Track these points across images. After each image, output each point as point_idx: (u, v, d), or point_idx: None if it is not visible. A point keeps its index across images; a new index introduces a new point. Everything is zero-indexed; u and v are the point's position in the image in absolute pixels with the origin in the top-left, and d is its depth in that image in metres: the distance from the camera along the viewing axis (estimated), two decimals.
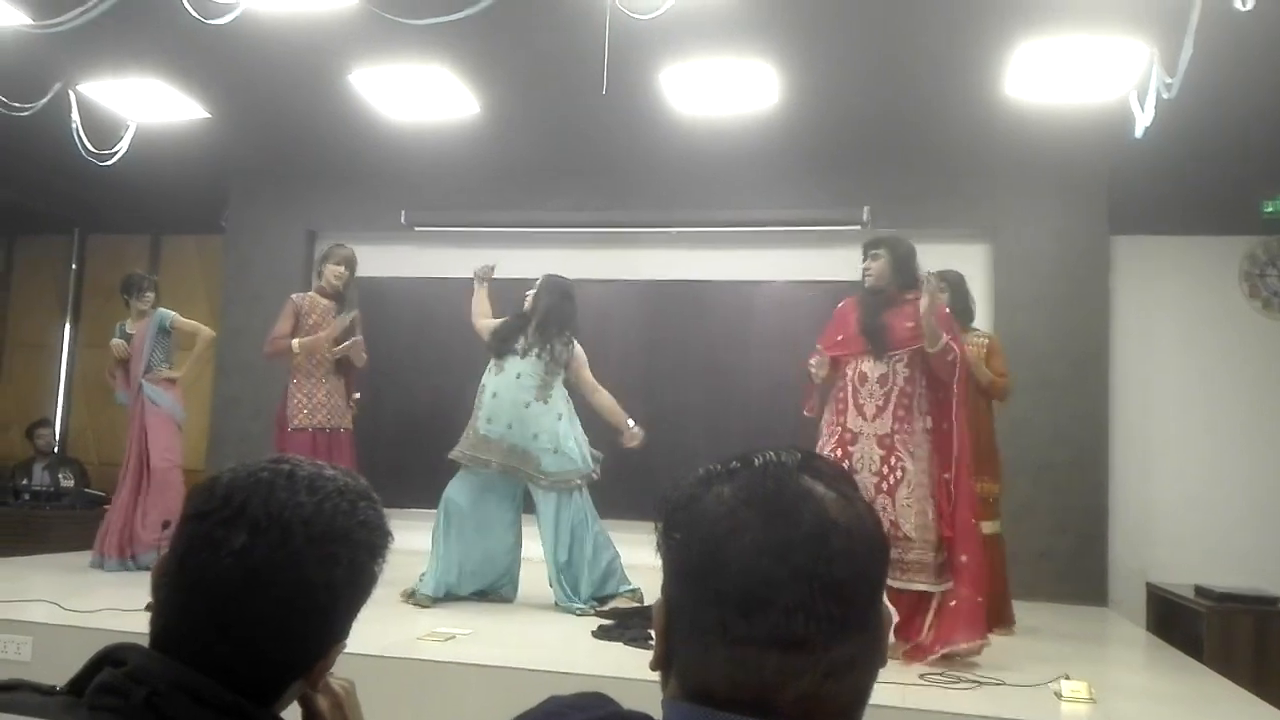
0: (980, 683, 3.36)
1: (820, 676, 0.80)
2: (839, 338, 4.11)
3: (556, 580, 4.66)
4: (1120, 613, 5.75)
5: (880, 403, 3.91)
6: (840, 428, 3.95)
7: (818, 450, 3.72)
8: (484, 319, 5.01)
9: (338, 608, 1.03)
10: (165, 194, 7.41)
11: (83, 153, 5.71)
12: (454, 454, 4.76)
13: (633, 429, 4.83)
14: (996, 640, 4.36)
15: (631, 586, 4.70)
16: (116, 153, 5.88)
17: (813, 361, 4.10)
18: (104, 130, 5.83)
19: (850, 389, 3.99)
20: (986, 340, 4.86)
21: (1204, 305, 6.24)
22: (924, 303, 3.82)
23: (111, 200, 7.54)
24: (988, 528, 4.68)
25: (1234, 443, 6.08)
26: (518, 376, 4.70)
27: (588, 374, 4.87)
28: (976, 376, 4.63)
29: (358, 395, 5.46)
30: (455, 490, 4.73)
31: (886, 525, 3.42)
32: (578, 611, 4.53)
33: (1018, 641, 4.43)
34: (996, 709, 3.03)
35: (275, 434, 5.23)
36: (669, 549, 0.87)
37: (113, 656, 0.99)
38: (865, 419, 3.92)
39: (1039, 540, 5.55)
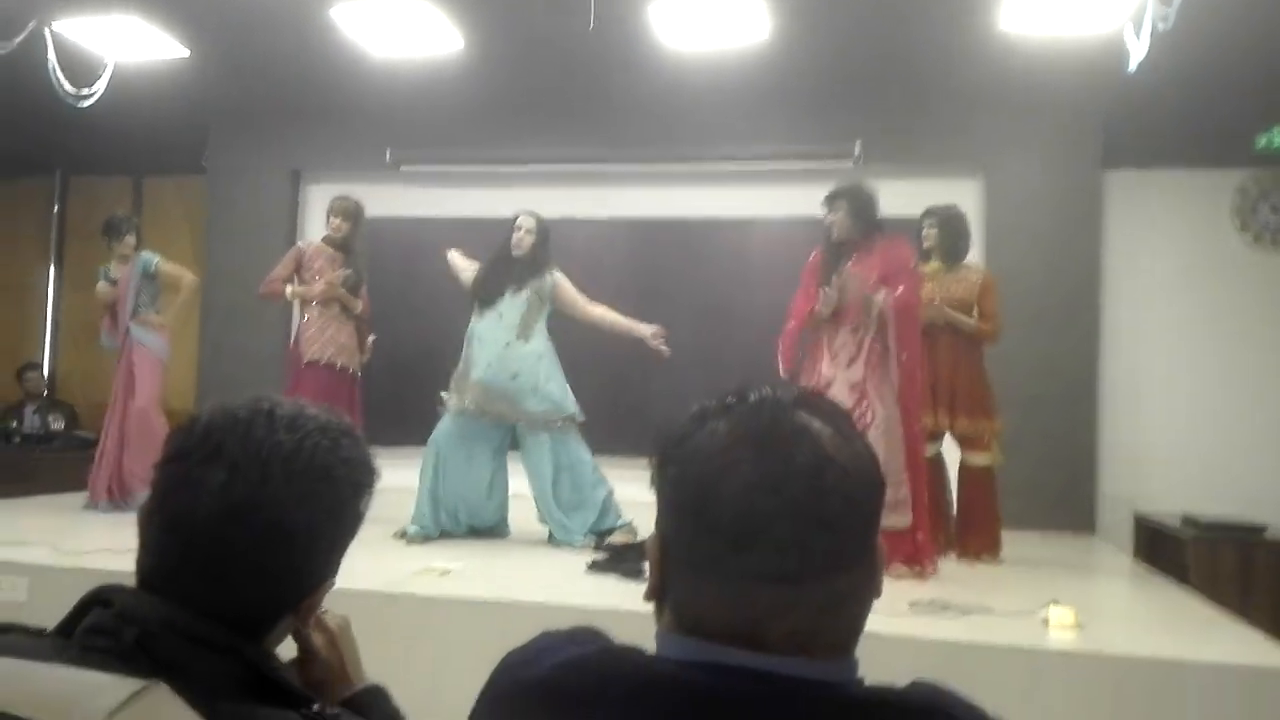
0: (968, 611, 3.40)
1: (815, 611, 0.81)
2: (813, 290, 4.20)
3: (550, 517, 4.69)
4: (1108, 542, 5.83)
5: (853, 351, 4.07)
6: (816, 375, 4.10)
7: None
8: (464, 273, 4.95)
9: (321, 545, 1.03)
10: (146, 135, 7.29)
11: (60, 93, 5.60)
12: (442, 403, 4.78)
13: (650, 330, 4.76)
14: (985, 569, 4.46)
15: (626, 521, 4.74)
16: (95, 93, 5.77)
17: (823, 294, 4.09)
18: (82, 69, 5.71)
19: (826, 338, 4.15)
20: (980, 278, 4.83)
21: (1195, 239, 6.22)
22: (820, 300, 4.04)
23: (92, 141, 7.41)
24: (981, 459, 4.74)
25: (1223, 374, 6.11)
26: (500, 317, 4.69)
27: (576, 293, 4.81)
28: (959, 327, 4.62)
29: (373, 338, 5.45)
30: (441, 432, 4.75)
31: None
32: (579, 544, 4.55)
33: (1006, 570, 4.48)
34: (984, 636, 3.07)
35: (289, 374, 5.24)
36: (664, 483, 0.87)
37: (101, 598, 0.99)
38: (839, 366, 4.07)
39: (1029, 472, 5.59)
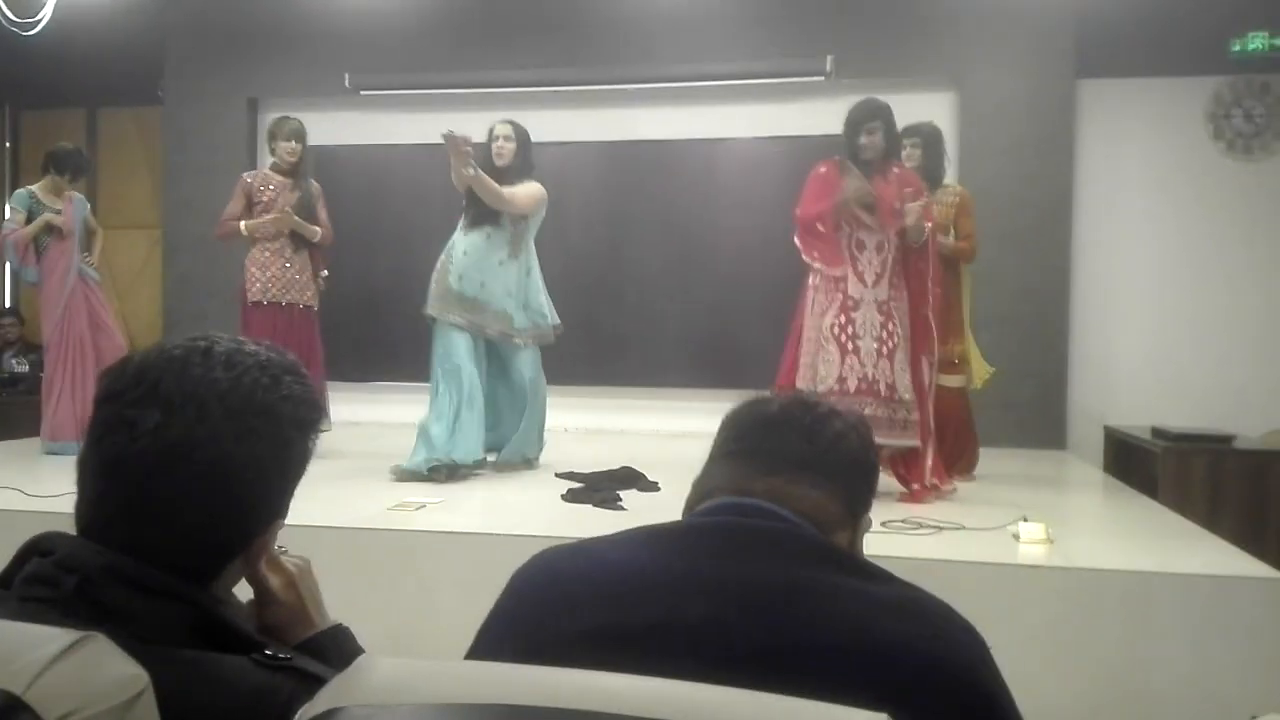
0: (941, 527, 3.43)
1: (784, 482, 1.09)
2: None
3: (511, 433, 4.73)
4: (1079, 456, 5.89)
5: (879, 270, 4.04)
6: (842, 295, 4.03)
7: (819, 317, 4.03)
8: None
9: (266, 484, 1.00)
10: (98, 64, 7.08)
11: (4, 21, 5.40)
12: (430, 310, 4.55)
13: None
14: (959, 486, 4.50)
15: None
16: (40, 20, 5.57)
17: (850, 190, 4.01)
18: None
19: (849, 256, 4.06)
20: (957, 198, 4.75)
21: (1168, 148, 6.18)
22: (911, 217, 3.98)
23: (42, 73, 7.18)
24: (955, 381, 4.76)
25: (1194, 285, 6.13)
26: (487, 237, 4.54)
27: (519, 191, 4.53)
28: (940, 247, 4.52)
29: (326, 273, 5.28)
30: (448, 347, 4.50)
31: (884, 389, 3.91)
32: (533, 458, 4.72)
33: (978, 487, 4.53)
34: (957, 553, 3.10)
35: (239, 312, 5.13)
36: (726, 422, 1.20)
37: (40, 546, 0.96)
38: (866, 285, 4.03)
39: (1001, 388, 5.61)
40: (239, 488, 0.97)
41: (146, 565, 0.93)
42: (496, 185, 4.42)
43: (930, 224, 4.13)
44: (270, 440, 0.98)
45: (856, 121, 4.08)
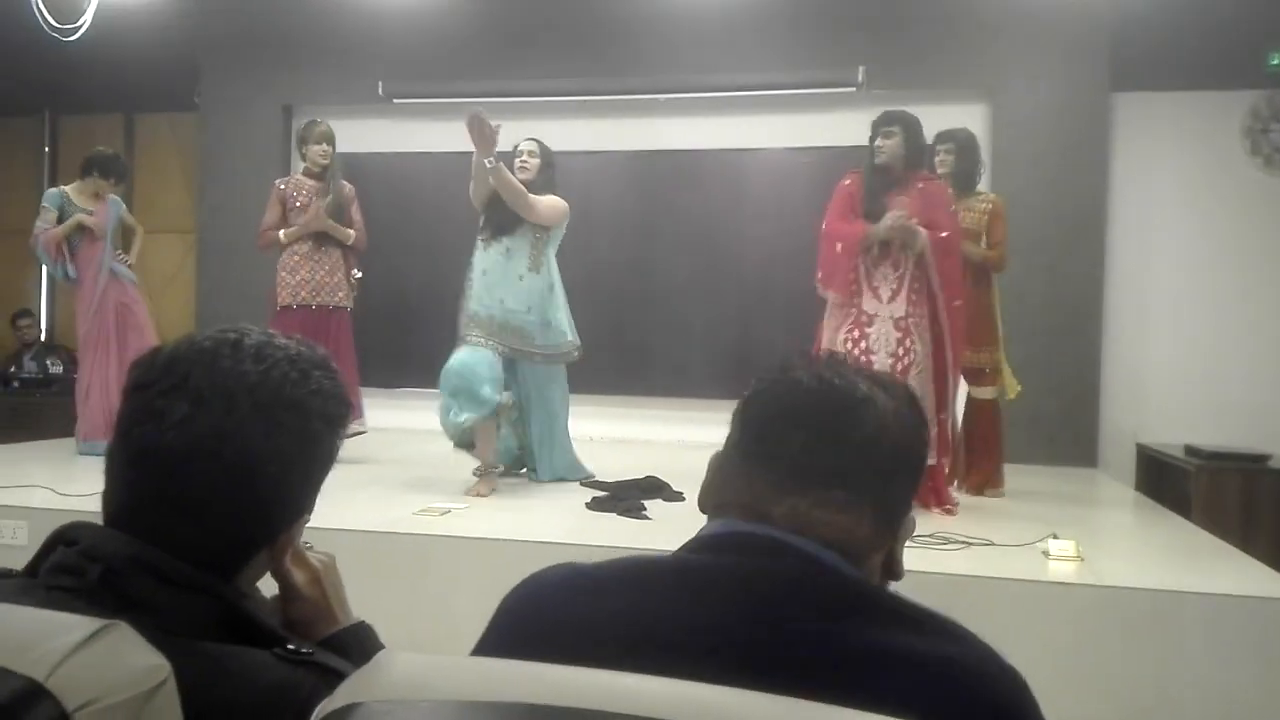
0: (970, 543, 3.39)
1: (809, 504, 0.97)
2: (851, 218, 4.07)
3: (542, 452, 4.68)
4: (1110, 474, 5.82)
5: (895, 286, 3.97)
6: (856, 309, 3.98)
7: (834, 332, 3.96)
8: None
9: (293, 479, 0.99)
10: (135, 71, 7.18)
11: (45, 28, 5.48)
12: (460, 331, 4.54)
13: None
14: (987, 502, 4.45)
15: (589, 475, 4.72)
16: (80, 26, 5.65)
17: (890, 216, 3.90)
18: (66, 4, 5.59)
19: (864, 271, 4.00)
20: (990, 205, 4.68)
21: (1204, 162, 6.10)
22: (882, 227, 3.89)
23: (81, 80, 7.30)
24: (986, 393, 4.70)
25: (1230, 302, 6.04)
26: (506, 251, 4.44)
27: (540, 198, 4.43)
28: (968, 255, 4.42)
29: (358, 274, 5.27)
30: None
31: None
32: (579, 478, 4.60)
33: (1007, 503, 4.48)
34: (985, 569, 3.07)
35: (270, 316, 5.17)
36: (744, 405, 1.07)
37: (66, 536, 0.96)
38: (881, 301, 3.97)
39: (1030, 403, 5.55)
40: (265, 481, 0.97)
41: (171, 556, 0.93)
42: (518, 182, 4.34)
43: (923, 231, 3.94)
44: (298, 434, 0.98)
45: (876, 124, 4.07)
